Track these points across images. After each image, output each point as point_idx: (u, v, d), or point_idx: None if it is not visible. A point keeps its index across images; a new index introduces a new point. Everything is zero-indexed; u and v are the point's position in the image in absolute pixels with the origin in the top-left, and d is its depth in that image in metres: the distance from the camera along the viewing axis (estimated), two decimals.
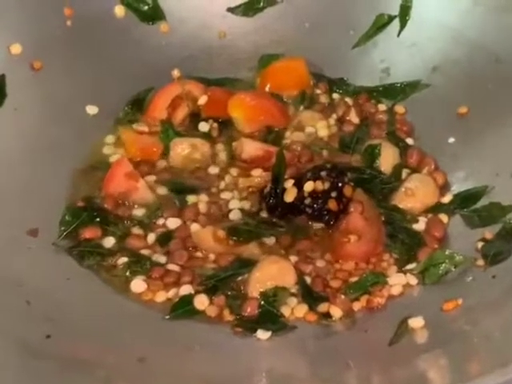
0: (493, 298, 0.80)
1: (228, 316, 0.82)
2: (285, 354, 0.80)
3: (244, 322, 0.82)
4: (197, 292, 0.84)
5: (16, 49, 0.98)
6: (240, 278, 0.85)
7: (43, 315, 0.79)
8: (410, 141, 0.99)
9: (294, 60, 1.06)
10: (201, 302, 0.83)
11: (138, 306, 0.83)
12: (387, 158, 0.96)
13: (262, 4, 1.08)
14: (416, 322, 0.79)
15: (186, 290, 0.84)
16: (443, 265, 0.84)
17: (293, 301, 0.84)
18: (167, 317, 0.82)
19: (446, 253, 0.85)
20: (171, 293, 0.84)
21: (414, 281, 0.85)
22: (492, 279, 0.82)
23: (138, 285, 0.85)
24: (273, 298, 0.83)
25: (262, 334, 0.80)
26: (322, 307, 0.83)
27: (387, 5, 1.05)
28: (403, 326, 0.79)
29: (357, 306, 0.83)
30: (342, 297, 0.83)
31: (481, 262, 0.84)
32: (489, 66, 0.99)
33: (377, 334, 0.80)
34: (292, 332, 0.81)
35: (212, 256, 0.87)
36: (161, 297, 0.84)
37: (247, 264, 0.86)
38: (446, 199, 0.93)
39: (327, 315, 0.82)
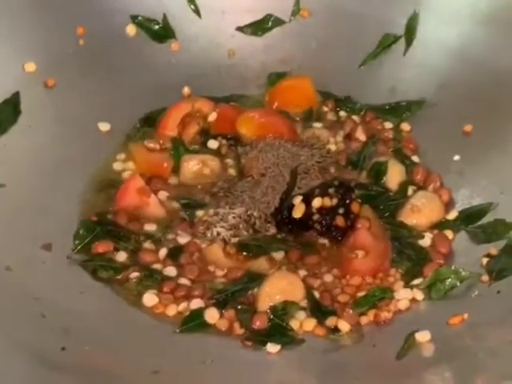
0: (498, 313, 0.81)
1: (238, 329, 0.83)
2: (294, 368, 0.81)
3: (254, 336, 0.83)
4: (207, 306, 0.85)
5: (30, 67, 1.00)
6: (250, 292, 0.86)
7: (58, 328, 0.80)
8: (415, 158, 1.01)
9: (300, 78, 1.08)
10: (211, 315, 0.84)
11: (151, 319, 0.84)
12: (394, 175, 0.98)
13: (270, 24, 1.10)
14: (423, 336, 0.80)
15: (196, 303, 0.85)
16: (449, 280, 0.86)
17: (302, 315, 0.85)
18: (178, 330, 0.83)
19: (452, 268, 0.86)
20: (182, 306, 0.85)
21: (420, 296, 0.86)
22: (497, 294, 0.83)
23: (149, 298, 0.86)
24: (282, 311, 0.84)
25: (272, 348, 0.81)
26: (330, 321, 0.84)
27: (393, 24, 1.07)
28: (410, 339, 0.80)
29: (364, 320, 0.84)
30: (350, 311, 0.85)
31: (486, 278, 0.85)
32: (493, 84, 1.00)
33: (384, 348, 0.81)
34: (301, 346, 0.82)
35: (222, 270, 0.89)
36: (172, 310, 0.85)
37: (256, 278, 0.87)
38: (452, 216, 0.94)
39: (335, 329, 0.84)
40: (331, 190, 0.92)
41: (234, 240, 0.91)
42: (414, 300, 0.86)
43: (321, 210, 0.91)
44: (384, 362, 0.80)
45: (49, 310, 0.81)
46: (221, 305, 0.85)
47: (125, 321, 0.84)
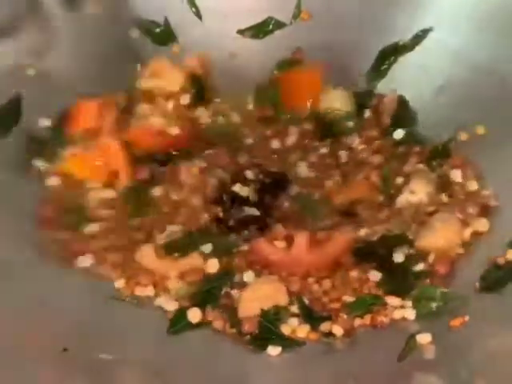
0: (498, 315, 0.81)
1: (228, 329, 0.83)
2: (294, 370, 0.81)
3: (255, 338, 0.82)
4: (188, 307, 0.84)
5: (32, 69, 1.01)
6: (226, 291, 0.86)
7: (60, 328, 0.80)
8: None
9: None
10: (193, 315, 0.83)
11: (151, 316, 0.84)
12: None
13: (271, 27, 1.10)
14: (424, 338, 0.80)
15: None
16: (435, 302, 0.84)
17: (294, 321, 0.84)
18: (166, 332, 0.82)
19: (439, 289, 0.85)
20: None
21: (410, 314, 0.84)
22: (497, 296, 0.83)
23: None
24: (274, 316, 0.83)
25: (273, 350, 0.81)
26: (324, 326, 0.83)
27: (394, 27, 1.07)
28: (411, 341, 0.79)
29: (360, 324, 0.84)
30: (344, 316, 0.84)
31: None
32: (494, 86, 1.01)
33: (384, 351, 0.81)
34: (301, 348, 0.82)
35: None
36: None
37: (226, 274, 0.87)
38: None
39: (330, 334, 0.83)
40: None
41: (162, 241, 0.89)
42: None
43: None
44: (385, 364, 0.79)
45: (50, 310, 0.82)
46: (201, 304, 0.84)
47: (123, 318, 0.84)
